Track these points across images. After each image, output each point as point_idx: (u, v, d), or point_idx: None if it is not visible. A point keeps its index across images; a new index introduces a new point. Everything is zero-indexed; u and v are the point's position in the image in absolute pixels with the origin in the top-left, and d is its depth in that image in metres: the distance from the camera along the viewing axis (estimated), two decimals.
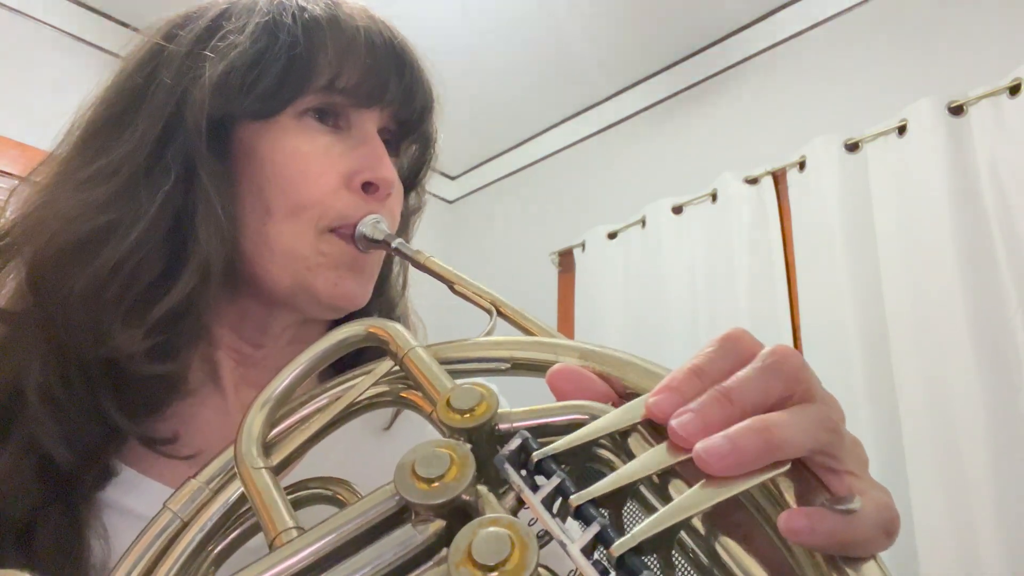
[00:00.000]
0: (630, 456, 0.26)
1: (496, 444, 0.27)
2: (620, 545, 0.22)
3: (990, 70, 1.60)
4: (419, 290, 0.62)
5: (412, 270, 0.61)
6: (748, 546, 0.24)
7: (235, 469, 0.31)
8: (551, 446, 0.25)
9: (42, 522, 0.43)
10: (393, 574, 0.24)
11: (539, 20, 2.13)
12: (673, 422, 0.25)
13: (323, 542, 0.26)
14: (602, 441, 0.26)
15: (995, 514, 1.33)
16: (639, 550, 0.22)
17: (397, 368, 0.34)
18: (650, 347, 1.99)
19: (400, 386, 0.34)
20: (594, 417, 0.27)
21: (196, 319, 0.48)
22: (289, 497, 0.34)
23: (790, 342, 1.76)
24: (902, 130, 1.69)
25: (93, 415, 0.45)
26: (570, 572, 0.22)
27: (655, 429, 0.26)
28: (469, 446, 0.26)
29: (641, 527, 0.22)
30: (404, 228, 0.61)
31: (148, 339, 0.45)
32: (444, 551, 0.24)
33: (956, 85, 1.64)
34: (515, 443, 0.26)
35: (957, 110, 1.63)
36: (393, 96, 0.53)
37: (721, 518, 0.25)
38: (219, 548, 0.33)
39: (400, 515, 0.26)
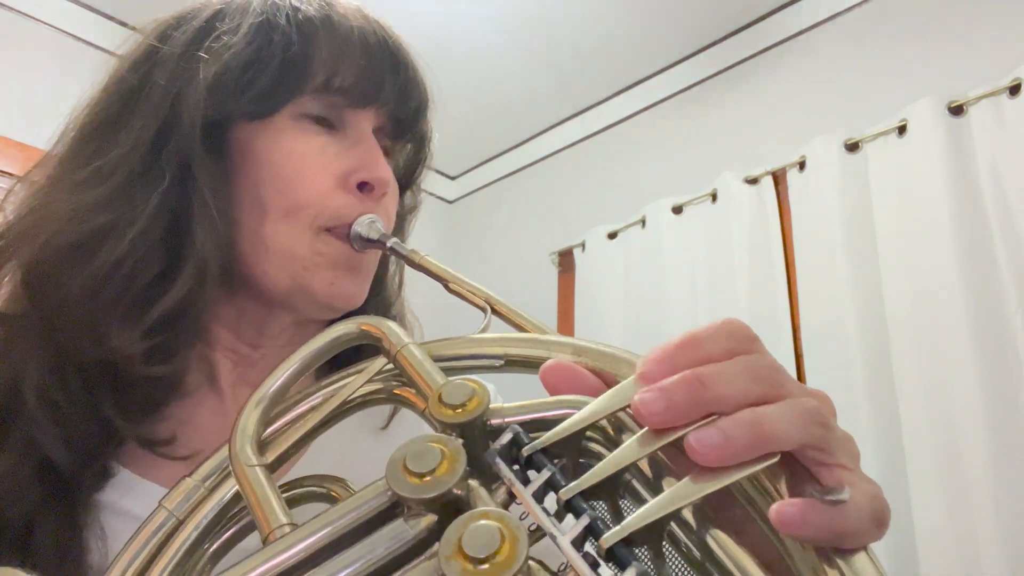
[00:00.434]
0: None
1: (488, 439, 0.27)
2: (609, 537, 0.22)
3: (990, 70, 1.60)
4: (415, 289, 0.62)
5: (408, 270, 0.61)
6: (741, 539, 0.24)
7: (230, 467, 0.31)
8: (541, 439, 0.25)
9: (40, 523, 0.43)
10: (385, 568, 0.24)
11: (538, 21, 2.14)
12: (636, 398, 0.25)
13: (315, 537, 0.26)
14: (593, 435, 0.26)
15: (995, 514, 1.33)
16: (629, 542, 0.22)
17: (391, 366, 0.34)
18: (650, 347, 1.98)
19: (394, 383, 0.34)
20: None
21: (194, 320, 0.48)
22: (284, 495, 0.34)
23: (790, 342, 1.76)
24: (902, 130, 1.69)
25: (91, 417, 0.45)
26: (561, 565, 0.23)
27: None
28: (461, 441, 0.26)
29: (630, 519, 0.23)
30: (400, 227, 0.61)
31: (145, 340, 0.45)
32: (436, 545, 0.24)
33: (956, 85, 1.64)
34: (506, 437, 0.26)
35: (957, 110, 1.63)
36: (388, 96, 0.53)
37: (715, 513, 0.25)
38: (215, 546, 0.33)
39: (392, 510, 0.26)
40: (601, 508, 0.25)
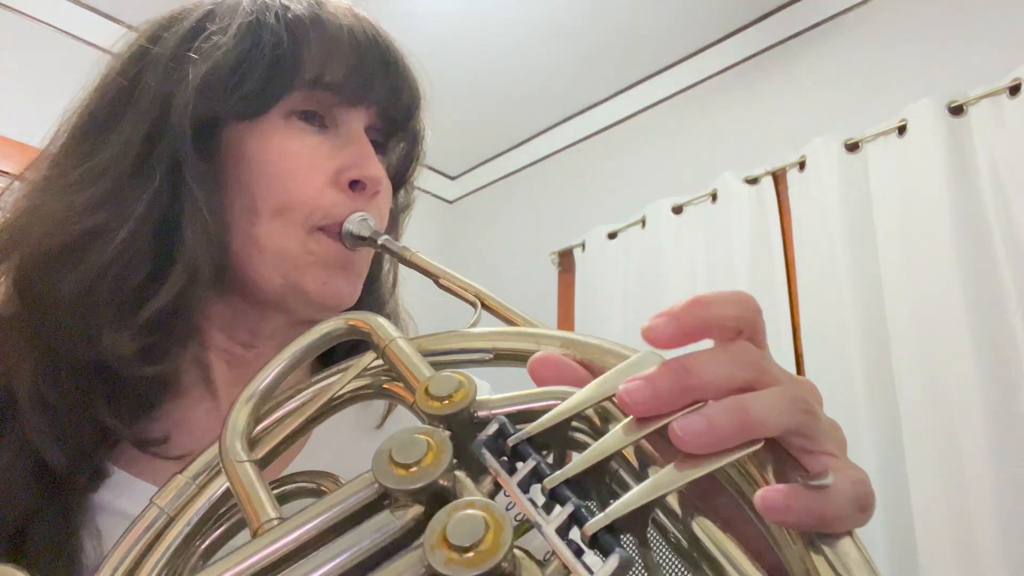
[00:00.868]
0: None
1: (475, 430, 0.27)
2: (593, 524, 0.22)
3: (990, 70, 1.60)
4: (409, 288, 0.62)
5: (402, 269, 0.61)
6: (729, 529, 0.24)
7: (220, 463, 0.31)
8: (526, 429, 0.26)
9: (35, 524, 0.43)
10: (371, 559, 0.25)
11: (538, 21, 2.14)
12: (621, 387, 0.26)
13: (302, 530, 0.26)
14: (580, 425, 0.26)
15: (995, 514, 1.33)
16: (613, 529, 0.22)
17: (380, 361, 0.34)
18: (649, 347, 1.99)
19: (383, 378, 0.34)
20: None
21: (186, 320, 0.48)
22: (275, 491, 0.34)
23: (790, 342, 1.77)
24: (902, 130, 1.69)
25: (85, 417, 0.45)
26: (547, 553, 0.23)
27: None
28: (447, 433, 0.26)
29: (614, 506, 0.23)
30: (394, 226, 0.61)
31: (137, 340, 0.45)
32: (422, 536, 0.24)
33: (956, 85, 1.64)
34: (492, 428, 0.26)
35: (957, 110, 1.63)
36: (379, 93, 0.53)
37: (702, 501, 0.25)
38: (206, 543, 0.33)
39: (379, 502, 0.26)
40: (592, 500, 0.26)
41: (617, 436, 0.25)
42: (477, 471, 0.26)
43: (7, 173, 1.66)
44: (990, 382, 1.41)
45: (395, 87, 0.53)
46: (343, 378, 0.34)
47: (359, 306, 0.54)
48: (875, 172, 1.70)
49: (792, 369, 1.74)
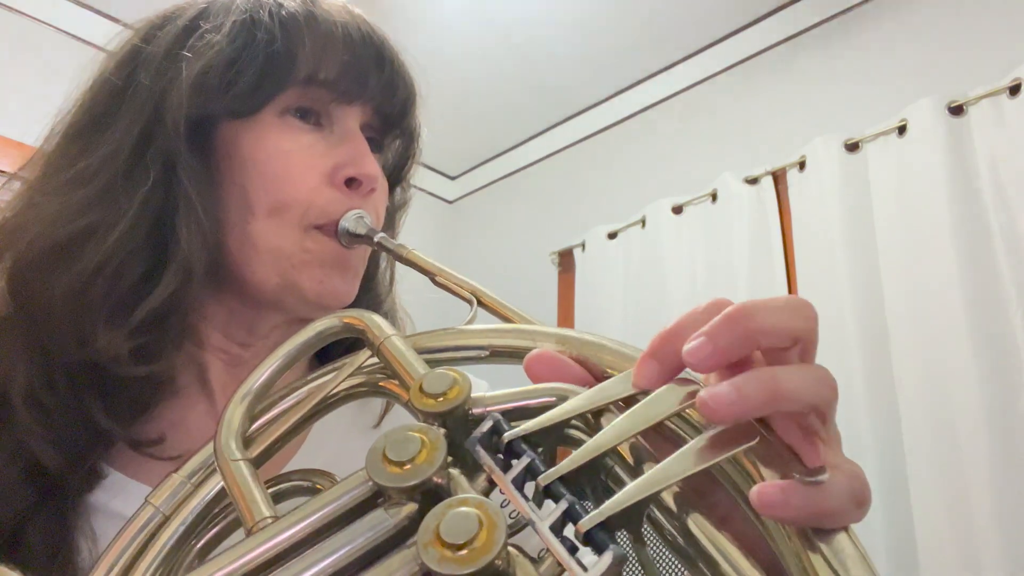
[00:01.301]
0: None
1: (470, 428, 0.27)
2: (587, 521, 0.22)
3: (990, 70, 1.60)
4: (405, 286, 0.62)
5: (399, 267, 0.61)
6: (725, 526, 0.24)
7: (215, 462, 0.31)
8: (522, 427, 0.25)
9: (30, 525, 0.43)
10: (366, 557, 0.24)
11: (539, 22, 2.14)
12: (685, 348, 0.25)
13: (297, 528, 0.26)
14: (574, 422, 0.26)
15: (995, 514, 1.32)
16: (608, 526, 0.22)
17: (376, 359, 0.34)
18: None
19: (378, 376, 0.34)
20: (566, 398, 0.27)
21: (180, 319, 0.48)
22: (271, 490, 0.34)
23: None
24: (902, 130, 1.68)
25: (79, 418, 0.45)
26: (541, 550, 0.22)
27: (628, 407, 0.26)
28: (442, 430, 0.26)
29: (608, 503, 0.23)
30: (390, 224, 0.61)
31: (132, 340, 0.45)
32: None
33: (956, 85, 1.64)
34: (486, 425, 0.26)
35: (957, 110, 1.63)
36: (374, 91, 0.52)
37: (698, 498, 0.25)
38: (202, 543, 0.33)
39: (374, 499, 0.26)
40: (588, 497, 0.25)
41: (612, 432, 0.25)
42: (472, 468, 0.26)
43: (5, 173, 1.66)
44: (990, 382, 1.41)
45: (390, 84, 0.53)
46: (338, 376, 0.34)
47: (356, 304, 0.54)
48: (875, 172, 1.70)
49: None
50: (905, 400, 1.51)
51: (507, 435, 0.25)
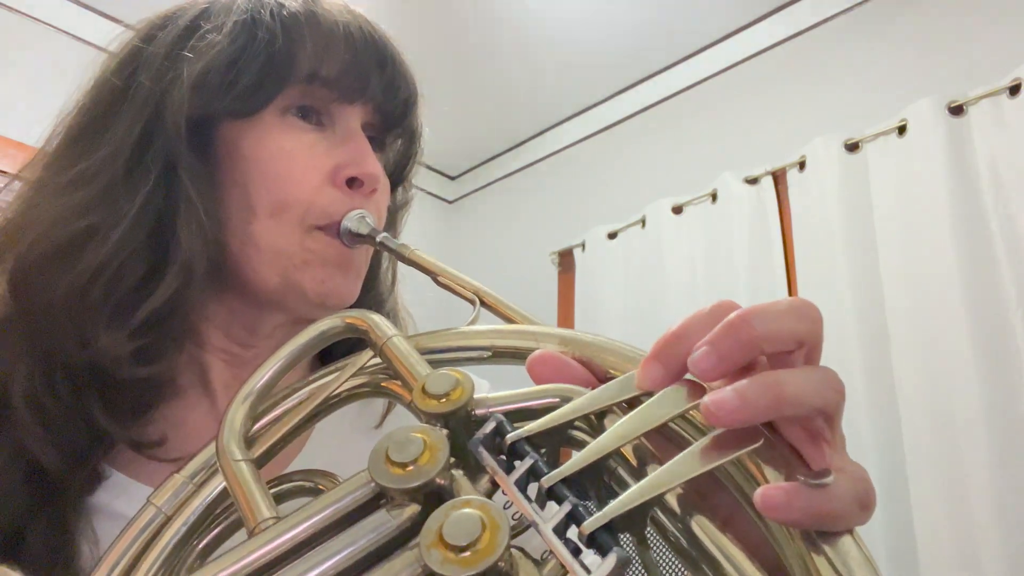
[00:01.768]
0: None
1: (473, 429, 0.27)
2: (591, 523, 0.22)
3: (990, 70, 1.60)
4: (407, 286, 0.62)
5: (401, 267, 0.61)
6: (728, 528, 0.24)
7: (217, 462, 0.31)
8: (524, 428, 0.25)
9: (31, 527, 0.43)
10: (368, 558, 0.24)
11: (538, 22, 2.14)
12: (690, 358, 0.25)
13: (299, 529, 0.26)
14: (577, 423, 0.26)
15: (995, 514, 1.32)
16: (611, 528, 0.22)
17: (378, 359, 0.34)
18: (649, 346, 1.98)
19: (380, 376, 0.34)
20: (569, 399, 0.27)
21: (181, 320, 0.48)
22: (273, 490, 0.33)
23: None
24: (902, 130, 1.68)
25: (80, 420, 0.45)
26: (544, 552, 0.22)
27: (632, 409, 0.26)
28: (445, 431, 0.26)
29: (612, 505, 0.22)
30: (392, 223, 0.61)
31: (133, 341, 0.45)
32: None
33: (956, 85, 1.64)
34: (489, 426, 0.26)
35: (957, 110, 1.63)
36: (375, 90, 0.52)
37: (701, 500, 0.25)
38: (203, 543, 0.33)
39: (376, 501, 0.26)
40: (592, 499, 0.25)
41: (616, 434, 0.25)
42: (474, 469, 0.26)
43: (6, 173, 1.66)
44: (990, 382, 1.41)
45: (391, 83, 0.53)
46: (340, 376, 0.34)
47: (359, 305, 0.54)
48: (875, 172, 1.70)
49: None
50: (905, 400, 1.51)
51: (510, 436, 0.25)
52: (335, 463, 0.38)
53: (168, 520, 0.31)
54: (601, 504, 0.24)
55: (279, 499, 0.35)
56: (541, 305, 2.42)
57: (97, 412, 0.45)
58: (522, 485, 0.24)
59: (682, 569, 0.25)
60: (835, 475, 0.23)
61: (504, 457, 0.26)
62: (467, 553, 0.21)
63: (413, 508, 0.25)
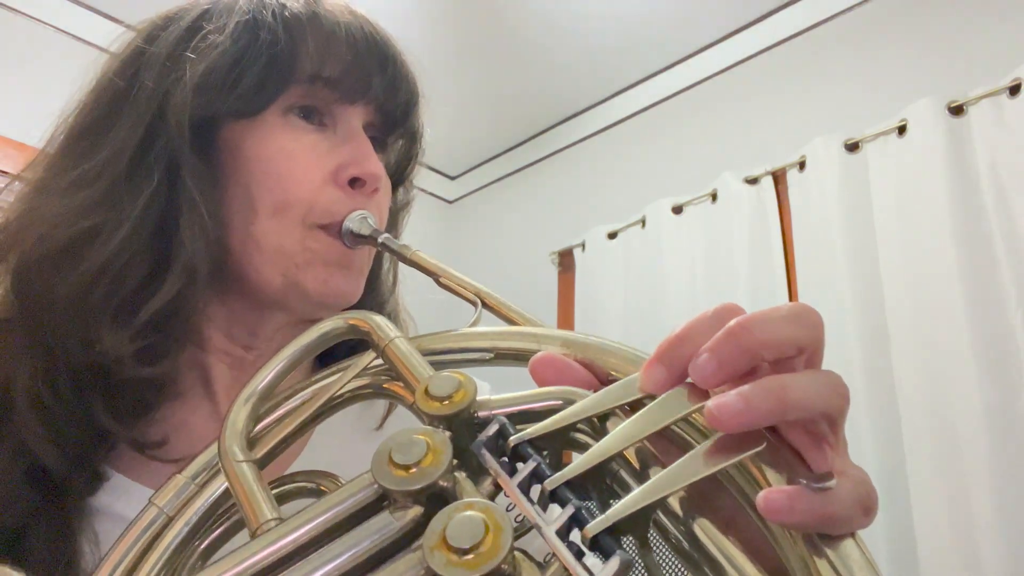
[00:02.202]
0: None
1: (475, 431, 0.27)
2: (594, 526, 0.22)
3: (990, 70, 1.60)
4: (408, 286, 0.62)
5: (402, 268, 0.61)
6: (730, 530, 0.24)
7: (219, 463, 0.31)
8: (528, 431, 0.25)
9: (32, 528, 0.43)
10: (371, 561, 0.24)
11: (537, 22, 2.14)
12: (691, 365, 0.25)
13: (302, 531, 0.26)
14: (580, 426, 0.26)
15: (995, 514, 1.32)
16: (614, 531, 0.22)
17: (380, 361, 0.34)
18: (650, 347, 1.96)
19: (383, 378, 0.34)
20: (572, 402, 0.27)
21: (184, 320, 0.48)
22: (275, 491, 0.34)
23: None
24: (902, 130, 1.68)
25: (82, 420, 0.45)
26: (547, 555, 0.22)
27: (634, 412, 0.26)
28: (448, 433, 0.26)
29: (615, 508, 0.22)
30: (394, 224, 0.61)
31: (136, 342, 0.45)
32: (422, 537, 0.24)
33: (956, 85, 1.64)
34: (492, 428, 0.26)
35: (957, 110, 1.63)
36: (376, 90, 0.52)
37: (703, 502, 0.25)
38: (205, 544, 0.33)
39: (379, 503, 0.26)
40: (593, 500, 0.25)
41: (618, 437, 0.25)
42: (477, 471, 0.26)
43: (7, 173, 1.66)
44: (990, 382, 1.41)
45: (392, 84, 0.53)
46: (343, 377, 0.34)
47: (359, 306, 0.54)
48: (875, 172, 1.70)
49: None
50: (905, 400, 1.51)
51: (513, 439, 0.25)
52: (336, 464, 0.38)
53: (170, 521, 0.31)
54: (603, 506, 0.24)
55: (281, 500, 0.35)
56: (541, 305, 2.43)
57: (99, 412, 0.45)
58: (525, 488, 0.24)
59: (684, 571, 0.25)
60: (837, 478, 0.23)
61: (506, 459, 0.26)
62: (470, 556, 0.21)
63: (416, 510, 0.25)
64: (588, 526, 0.22)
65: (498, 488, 0.25)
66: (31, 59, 1.91)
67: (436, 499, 0.24)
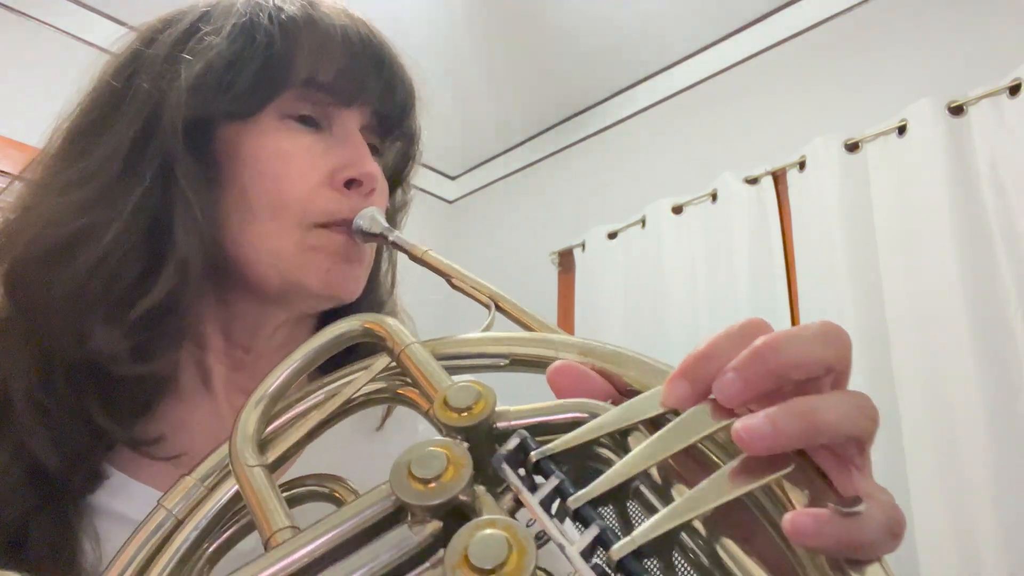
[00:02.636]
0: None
1: (494, 443, 0.26)
2: (620, 548, 0.21)
3: (990, 70, 1.60)
4: (416, 285, 0.62)
5: (400, 268, 0.61)
6: (749, 547, 0.24)
7: (230, 467, 0.31)
8: (550, 445, 0.25)
9: (33, 527, 0.43)
10: (389, 575, 0.24)
11: (539, 22, 2.13)
12: (715, 383, 0.25)
13: (318, 543, 0.25)
14: (602, 440, 0.26)
15: (995, 514, 1.33)
16: (639, 553, 0.21)
17: (394, 364, 0.33)
18: (650, 347, 1.98)
19: (397, 382, 0.34)
20: (594, 415, 0.26)
21: (179, 318, 0.48)
22: (284, 495, 0.33)
23: None
24: (902, 130, 1.68)
25: (79, 419, 0.45)
26: (569, 574, 0.22)
27: (656, 427, 0.26)
28: (466, 445, 0.25)
29: (641, 529, 0.22)
30: (391, 225, 0.61)
31: (129, 338, 0.45)
32: (441, 552, 0.24)
33: (956, 85, 1.64)
34: (513, 442, 0.25)
35: (957, 110, 1.63)
36: (372, 92, 0.53)
37: (722, 518, 0.25)
38: (213, 547, 0.32)
39: (396, 515, 0.25)
40: (609, 515, 0.25)
41: (643, 455, 0.24)
42: (494, 483, 0.26)
43: (7, 173, 1.65)
44: (990, 382, 1.41)
45: (389, 86, 0.53)
46: (358, 381, 0.33)
47: (357, 306, 0.54)
48: (875, 172, 1.70)
49: None
50: (905, 400, 1.51)
51: (535, 454, 0.25)
52: (337, 465, 0.37)
53: (179, 524, 0.31)
54: (623, 523, 0.24)
55: (291, 503, 0.34)
56: (541, 305, 2.42)
57: (96, 411, 0.45)
58: (547, 505, 0.24)
59: None
60: (866, 503, 0.23)
61: (524, 473, 0.25)
62: None
63: (435, 525, 0.24)
64: (613, 548, 0.21)
65: (518, 503, 0.25)
66: (31, 59, 1.90)
67: (455, 514, 0.24)
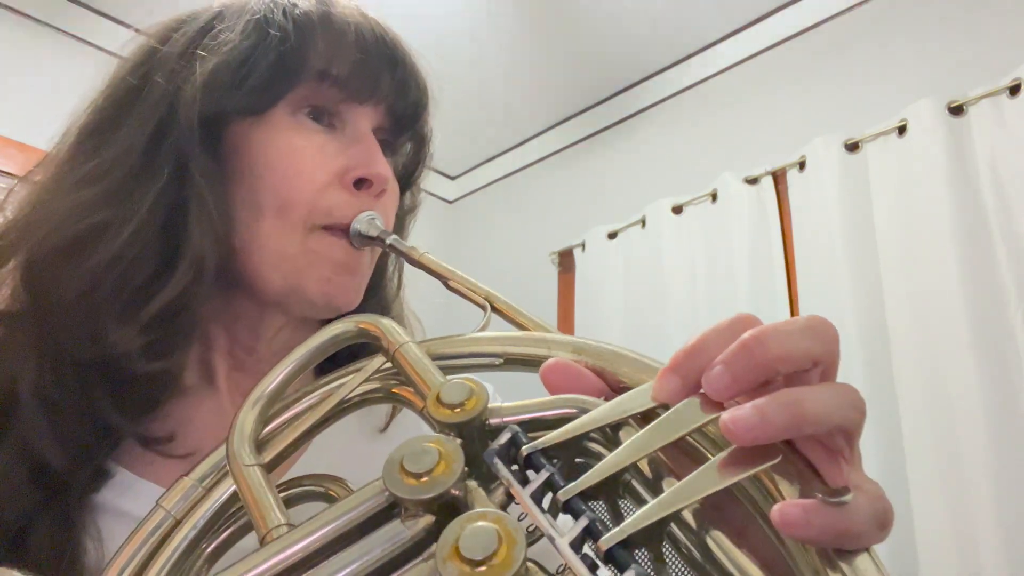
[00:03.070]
0: None
1: (487, 439, 0.26)
2: (608, 539, 0.22)
3: (990, 70, 1.60)
4: (414, 288, 0.62)
5: (407, 270, 0.61)
6: (741, 541, 0.24)
7: (227, 466, 0.31)
8: (540, 440, 0.25)
9: (36, 526, 0.43)
10: (382, 569, 0.24)
11: (539, 22, 2.13)
12: (704, 377, 0.25)
13: (312, 538, 0.26)
14: (592, 435, 0.26)
15: (995, 514, 1.33)
16: (628, 544, 0.22)
17: (389, 364, 0.34)
18: (650, 347, 1.96)
19: (392, 382, 0.34)
20: (584, 411, 0.27)
21: (191, 316, 0.48)
22: (282, 495, 0.33)
23: None
24: (902, 130, 1.68)
25: (86, 416, 0.45)
26: (560, 567, 0.22)
27: (647, 421, 0.26)
28: (459, 441, 0.26)
29: (630, 520, 0.22)
30: (400, 227, 0.61)
31: (143, 336, 0.45)
32: (433, 546, 0.24)
33: (956, 85, 1.64)
34: (505, 437, 0.26)
35: (957, 110, 1.63)
36: (385, 91, 0.53)
37: (714, 512, 0.25)
38: (212, 547, 0.33)
39: (389, 511, 0.26)
40: (600, 508, 0.25)
41: (632, 448, 0.24)
42: (487, 478, 0.26)
43: (9, 173, 1.66)
44: (990, 382, 1.41)
45: (402, 85, 0.54)
46: (352, 381, 0.34)
47: (363, 309, 0.54)
48: (875, 172, 1.70)
49: None
50: (905, 400, 1.51)
51: (526, 448, 0.25)
52: (338, 466, 0.38)
53: (177, 524, 0.31)
54: (614, 517, 0.24)
55: (288, 504, 0.35)
56: (541, 305, 2.42)
57: (106, 407, 0.46)
58: (538, 498, 0.24)
59: None
60: (854, 493, 0.23)
61: (516, 467, 0.26)
62: (484, 567, 0.21)
63: (427, 519, 0.24)
64: (602, 539, 0.22)
65: (510, 497, 0.25)
66: (32, 60, 1.91)
67: (447, 508, 0.24)
